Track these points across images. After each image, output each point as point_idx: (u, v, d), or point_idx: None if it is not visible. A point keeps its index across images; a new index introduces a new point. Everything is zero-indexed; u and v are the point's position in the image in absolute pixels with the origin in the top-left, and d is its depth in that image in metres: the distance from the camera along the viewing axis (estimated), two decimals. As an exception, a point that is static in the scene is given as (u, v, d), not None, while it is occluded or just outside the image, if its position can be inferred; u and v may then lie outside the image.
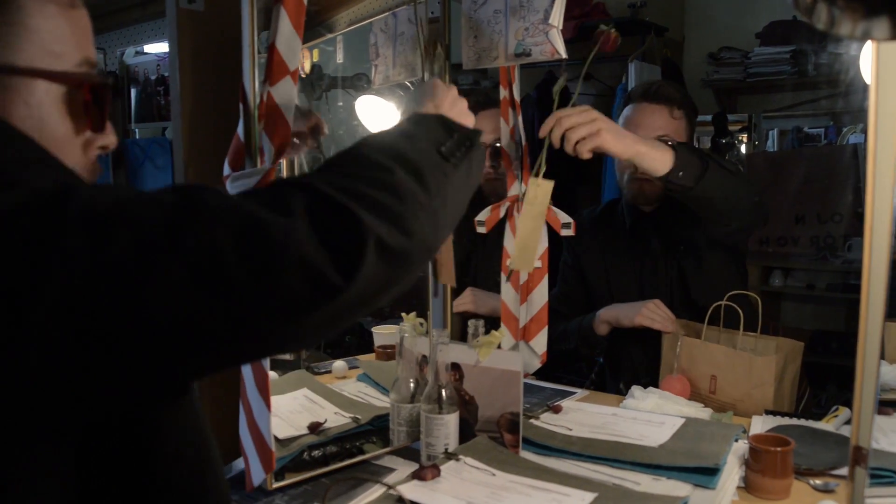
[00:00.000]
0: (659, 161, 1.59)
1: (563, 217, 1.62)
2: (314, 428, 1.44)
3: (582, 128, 1.54)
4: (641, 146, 1.58)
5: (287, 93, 1.14)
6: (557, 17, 1.28)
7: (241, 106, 1.16)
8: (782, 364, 1.65)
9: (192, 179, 1.26)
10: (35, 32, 0.73)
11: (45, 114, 0.74)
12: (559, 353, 2.01)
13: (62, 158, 0.74)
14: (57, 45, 0.74)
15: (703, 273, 1.90)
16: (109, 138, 0.81)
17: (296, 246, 0.61)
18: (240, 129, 1.16)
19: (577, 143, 1.54)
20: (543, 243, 1.64)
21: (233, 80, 1.19)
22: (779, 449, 1.24)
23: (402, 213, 0.71)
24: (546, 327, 1.68)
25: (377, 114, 2.00)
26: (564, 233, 1.63)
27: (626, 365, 2.03)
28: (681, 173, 1.59)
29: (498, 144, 2.14)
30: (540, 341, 1.68)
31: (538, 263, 1.65)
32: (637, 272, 1.99)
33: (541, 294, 1.66)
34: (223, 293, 0.59)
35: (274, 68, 1.13)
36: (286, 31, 1.14)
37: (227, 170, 1.16)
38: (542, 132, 1.55)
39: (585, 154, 1.54)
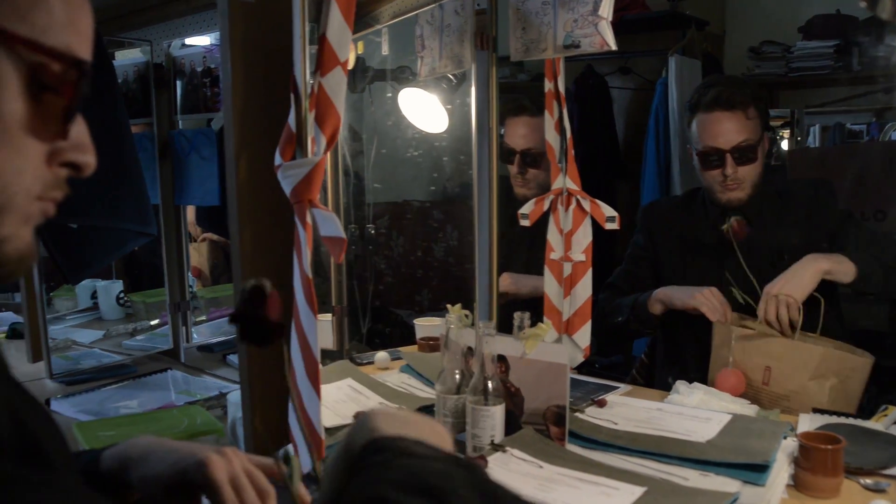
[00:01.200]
0: (846, 274, 1.76)
1: (608, 211, 1.61)
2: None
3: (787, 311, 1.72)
4: (825, 266, 1.76)
5: (338, 83, 1.15)
6: (607, 8, 1.27)
7: (291, 96, 1.17)
8: (850, 367, 1.62)
9: (243, 169, 1.27)
10: None
11: None
12: (609, 328, 2.03)
13: (10, 160, 0.57)
14: (34, 13, 0.57)
15: (794, 251, 1.90)
16: (86, 156, 0.62)
17: None
18: (291, 120, 1.17)
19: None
20: (588, 237, 1.63)
21: (283, 71, 1.20)
22: (829, 447, 1.22)
23: None
24: (589, 321, 1.68)
25: (419, 106, 2.01)
26: (609, 226, 1.62)
27: (676, 358, 2.02)
28: (864, 277, 1.76)
29: (527, 158, 2.16)
30: (583, 335, 1.67)
31: (582, 257, 1.64)
32: (717, 263, 1.98)
33: (584, 288, 1.66)
34: None
35: (325, 59, 1.14)
36: (337, 23, 1.14)
37: (278, 159, 1.17)
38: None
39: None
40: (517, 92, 2.48)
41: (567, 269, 1.66)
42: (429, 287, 2.60)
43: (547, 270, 1.68)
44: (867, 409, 2.08)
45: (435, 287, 2.66)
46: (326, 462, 0.72)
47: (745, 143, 1.90)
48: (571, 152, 1.63)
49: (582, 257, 1.64)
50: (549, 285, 1.68)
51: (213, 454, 0.90)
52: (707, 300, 1.82)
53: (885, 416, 1.55)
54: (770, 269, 1.92)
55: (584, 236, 1.63)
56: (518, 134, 2.20)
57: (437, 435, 0.73)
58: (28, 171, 0.58)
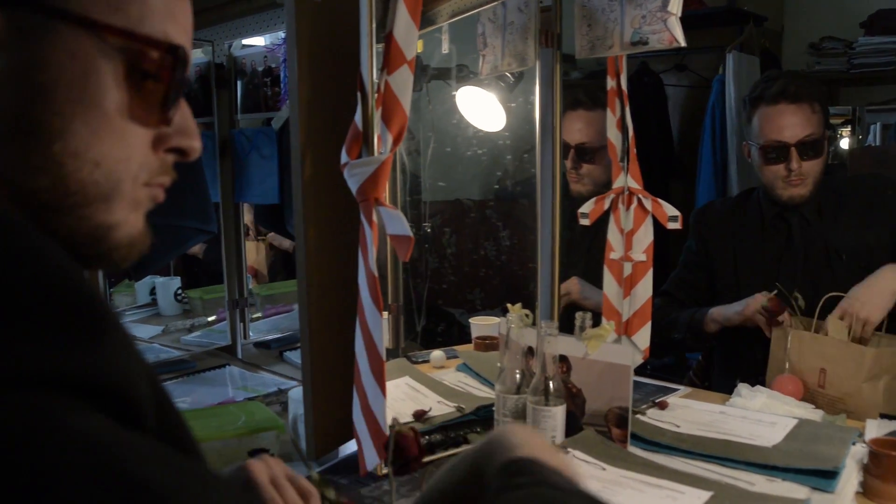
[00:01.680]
0: None
1: (671, 210, 1.59)
2: (419, 416, 1.45)
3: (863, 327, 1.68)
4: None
5: (404, 81, 1.16)
6: (677, 4, 1.25)
7: (358, 94, 1.18)
8: None
9: (308, 167, 1.28)
10: None
11: (94, 81, 0.56)
12: (666, 340, 2.01)
13: (114, 148, 0.58)
14: (128, 3, 0.57)
15: (854, 264, 1.86)
16: (191, 141, 0.64)
17: None
18: (357, 118, 1.17)
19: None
20: (649, 237, 1.61)
21: (349, 69, 1.20)
22: (902, 454, 1.19)
23: None
24: (649, 322, 1.65)
25: (477, 104, 2.01)
26: (671, 226, 1.60)
27: (734, 361, 1.98)
28: None
29: (580, 153, 2.15)
30: (643, 336, 1.65)
31: (643, 257, 1.62)
32: (774, 264, 1.95)
33: (644, 288, 1.64)
34: None
35: (392, 57, 1.15)
36: (403, 21, 1.15)
37: (344, 158, 1.18)
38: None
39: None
40: (571, 87, 2.46)
41: (627, 269, 1.64)
42: (482, 286, 2.59)
43: (606, 270, 1.66)
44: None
45: (489, 286, 2.65)
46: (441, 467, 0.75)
47: (811, 137, 1.85)
48: (633, 151, 1.62)
49: (643, 257, 1.62)
50: (609, 286, 1.66)
51: (254, 460, 0.98)
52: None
53: None
54: (828, 270, 1.87)
55: (645, 236, 1.61)
56: (573, 128, 2.18)
57: (566, 466, 0.73)
58: (134, 158, 0.59)
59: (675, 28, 1.25)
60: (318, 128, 1.28)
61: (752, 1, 3.69)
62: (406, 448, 1.11)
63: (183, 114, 0.63)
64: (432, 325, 2.39)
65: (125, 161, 0.59)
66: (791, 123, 1.85)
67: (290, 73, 1.27)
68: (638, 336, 1.66)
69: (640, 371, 1.96)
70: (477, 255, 2.58)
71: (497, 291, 2.54)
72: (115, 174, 0.58)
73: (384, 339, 1.85)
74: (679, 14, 1.26)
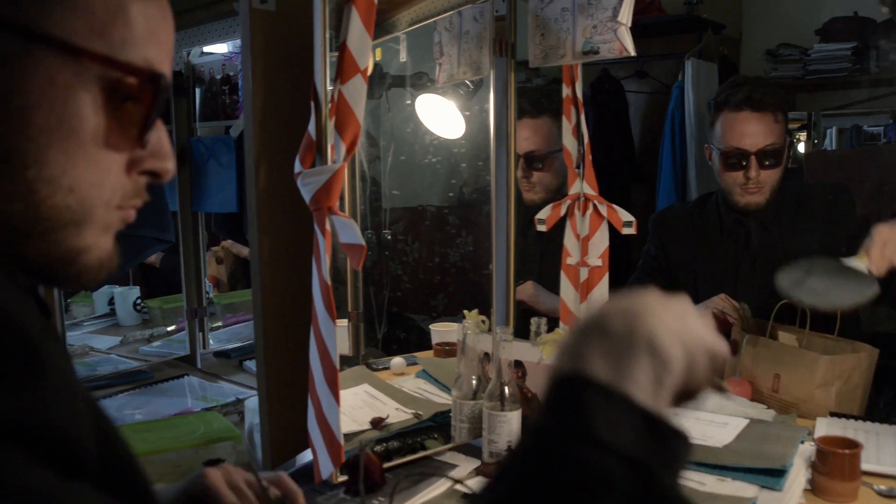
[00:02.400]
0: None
1: (625, 216, 1.61)
2: (377, 423, 1.45)
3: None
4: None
5: (358, 90, 1.16)
6: (627, 14, 1.28)
7: (311, 104, 1.18)
8: (850, 367, 1.62)
9: (262, 176, 1.28)
10: (82, 1, 0.56)
11: (72, 107, 0.55)
12: None
13: (88, 173, 0.57)
14: (111, 28, 0.57)
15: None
16: (165, 163, 0.63)
17: None
18: (311, 127, 1.18)
19: None
20: (604, 242, 1.63)
21: (303, 79, 1.21)
22: (846, 451, 1.22)
23: None
24: None
25: (437, 113, 2.02)
26: (626, 231, 1.62)
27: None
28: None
29: (529, 161, 2.15)
30: None
31: (599, 262, 1.64)
32: (732, 268, 1.98)
33: (601, 293, 1.66)
34: None
35: (345, 67, 1.16)
36: (357, 30, 1.16)
37: (297, 167, 1.18)
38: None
39: None
40: (528, 95, 2.47)
41: (583, 274, 1.66)
42: (444, 292, 2.60)
43: (563, 275, 1.68)
44: (884, 410, 2.07)
45: (450, 292, 2.67)
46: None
47: (772, 146, 1.88)
48: (589, 157, 1.64)
49: (599, 262, 1.64)
50: (566, 291, 1.68)
51: (212, 468, 1.00)
52: (720, 304, 1.82)
53: None
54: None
55: (600, 241, 1.63)
56: (520, 137, 2.17)
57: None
58: (107, 184, 0.59)
59: (624, 38, 1.28)
60: (272, 137, 1.29)
61: (710, 9, 3.75)
62: (370, 473, 1.14)
63: (159, 136, 0.63)
64: (395, 331, 2.40)
65: (99, 186, 0.59)
66: (753, 132, 1.88)
67: (244, 82, 1.27)
68: None
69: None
70: (439, 262, 2.59)
71: (459, 297, 2.55)
72: (88, 200, 0.58)
73: (342, 348, 1.87)
74: (629, 24, 1.28)
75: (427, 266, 2.60)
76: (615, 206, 1.62)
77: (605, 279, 1.66)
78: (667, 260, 2.10)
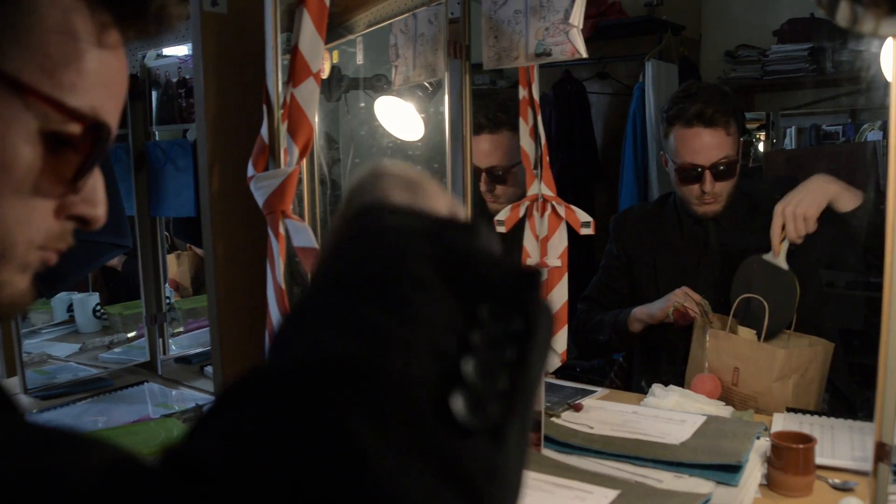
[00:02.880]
0: (851, 201, 1.74)
1: (583, 216, 1.62)
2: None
3: (795, 224, 1.75)
4: (835, 190, 1.76)
5: (310, 94, 1.16)
6: (578, 16, 1.28)
7: (264, 107, 1.18)
8: (806, 360, 1.64)
9: (215, 180, 1.27)
10: (37, 40, 0.55)
11: (9, 144, 0.54)
12: (591, 343, 2.05)
13: (15, 211, 0.56)
14: (63, 71, 0.56)
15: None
16: (96, 210, 0.60)
17: None
18: (263, 131, 1.17)
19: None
20: (563, 242, 1.64)
21: (256, 82, 1.20)
22: (800, 446, 1.24)
23: None
24: (566, 326, 1.68)
25: (396, 115, 2.02)
26: (584, 232, 1.63)
27: (652, 361, 2.04)
28: (860, 210, 1.73)
29: (492, 176, 2.16)
30: (560, 340, 1.68)
31: (558, 262, 1.65)
32: (692, 266, 2.00)
33: (560, 293, 1.67)
34: None
35: (297, 70, 1.15)
36: (309, 33, 1.15)
37: (251, 171, 1.17)
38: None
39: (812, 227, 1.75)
40: (488, 98, 2.47)
41: (543, 274, 1.67)
42: None
43: None
44: (848, 402, 2.10)
45: None
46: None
47: (725, 160, 1.91)
48: (546, 159, 1.65)
49: (558, 263, 1.65)
50: None
51: None
52: (682, 298, 1.84)
53: None
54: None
55: (559, 242, 1.64)
56: (481, 151, 2.17)
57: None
58: (33, 223, 0.57)
59: (576, 39, 1.29)
60: (225, 141, 1.28)
61: (670, 11, 3.80)
62: None
63: (94, 183, 0.61)
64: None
65: (24, 225, 0.57)
66: (706, 147, 1.90)
67: (196, 85, 1.26)
68: (555, 339, 1.69)
69: (568, 373, 2.00)
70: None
71: None
72: (10, 237, 0.56)
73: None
74: (580, 26, 1.29)
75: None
76: (573, 207, 1.63)
77: (565, 279, 1.67)
78: (628, 259, 2.13)
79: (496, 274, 0.43)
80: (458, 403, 0.38)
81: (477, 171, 2.20)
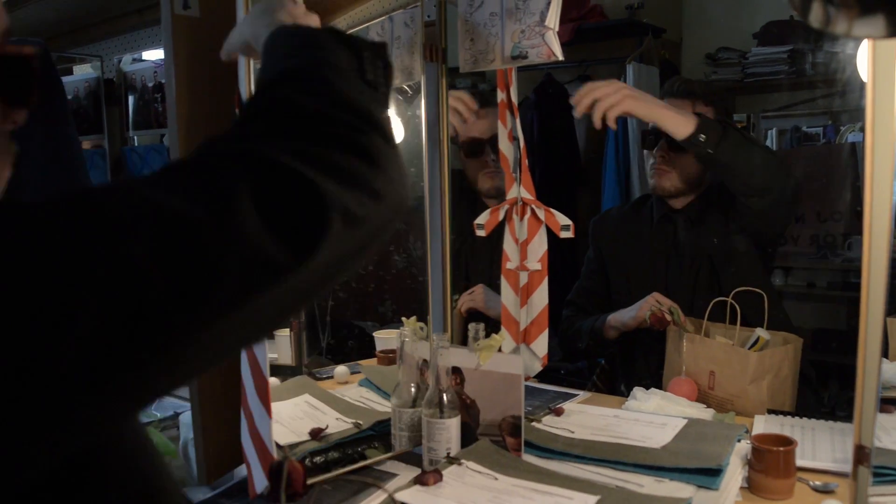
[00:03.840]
0: (682, 124, 1.71)
1: (563, 220, 1.62)
2: (315, 434, 1.43)
3: (609, 97, 1.66)
4: (664, 110, 1.72)
5: None
6: (554, 19, 1.28)
7: (236, 111, 1.16)
8: (779, 359, 1.65)
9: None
10: None
11: None
12: (574, 350, 2.05)
13: None
14: None
15: (733, 267, 1.92)
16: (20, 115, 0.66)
17: (237, 245, 0.53)
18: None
19: (605, 111, 1.67)
20: (543, 246, 1.64)
21: (229, 86, 1.19)
22: (781, 448, 1.23)
23: (366, 174, 0.61)
24: (546, 330, 1.68)
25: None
26: (563, 235, 1.63)
27: (632, 365, 2.03)
28: (702, 136, 1.70)
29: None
30: (540, 344, 1.67)
31: (538, 266, 1.64)
32: (662, 266, 2.00)
33: (541, 297, 1.66)
34: (149, 323, 0.50)
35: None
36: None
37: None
38: (575, 101, 1.70)
39: (612, 122, 1.68)
40: (481, 93, 2.46)
41: (523, 278, 1.66)
42: (392, 298, 2.59)
43: (504, 280, 1.68)
44: (829, 405, 2.11)
45: (398, 298, 2.65)
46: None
47: None
48: (525, 162, 1.64)
49: (538, 266, 1.65)
50: (506, 295, 1.68)
51: None
52: (654, 305, 1.84)
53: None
54: (710, 271, 1.94)
55: (539, 245, 1.64)
56: (486, 125, 2.17)
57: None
58: None
59: (552, 42, 1.28)
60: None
61: (651, 14, 3.80)
62: (292, 482, 1.12)
63: None
64: (342, 339, 2.37)
65: None
66: None
67: (167, 90, 1.25)
68: (536, 344, 1.68)
69: (553, 376, 2.00)
70: (386, 267, 2.58)
71: (407, 302, 2.54)
72: None
73: (281, 357, 1.84)
74: (556, 28, 1.28)
75: (373, 271, 2.58)
76: (553, 210, 1.63)
77: (545, 283, 1.66)
78: (603, 263, 2.13)
79: (366, 42, 0.75)
80: (366, 75, 0.71)
81: (479, 143, 2.17)
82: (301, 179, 0.57)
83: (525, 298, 1.67)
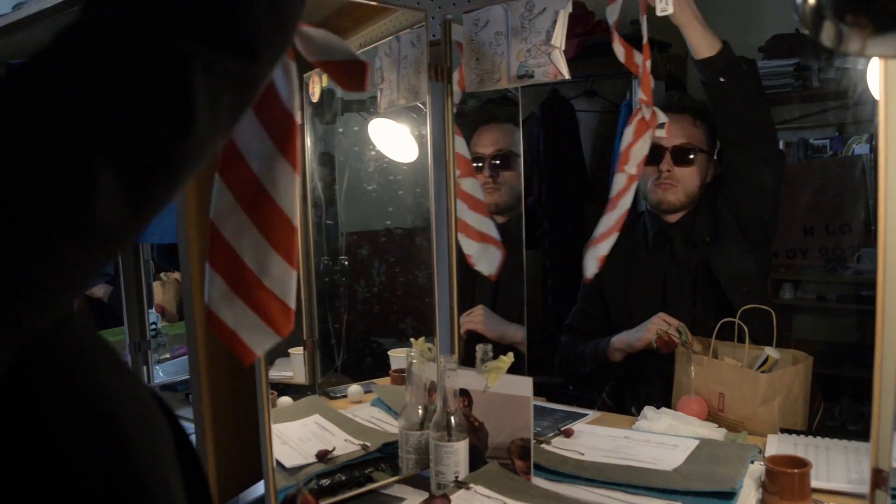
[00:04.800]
0: (707, 41, 1.75)
1: (661, 117, 1.68)
2: (322, 456, 1.42)
3: None
4: (696, 21, 1.73)
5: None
6: (560, 37, 1.27)
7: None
8: (789, 379, 1.62)
9: (192, 204, 1.25)
10: None
11: None
12: (576, 375, 2.03)
13: None
14: None
15: (729, 271, 1.91)
16: None
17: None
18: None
19: None
20: (644, 151, 1.69)
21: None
22: (796, 471, 1.21)
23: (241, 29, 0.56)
24: (616, 234, 1.69)
25: (389, 136, 2.00)
26: (658, 133, 1.70)
27: (641, 385, 2.01)
28: (721, 63, 1.73)
29: (497, 161, 2.16)
30: (604, 247, 1.69)
31: (634, 171, 1.72)
32: (659, 282, 1.98)
33: (624, 203, 1.71)
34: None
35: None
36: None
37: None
38: None
39: None
40: (485, 104, 2.47)
41: (620, 181, 1.69)
42: (413, 315, 2.57)
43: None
44: (839, 420, 2.08)
45: (420, 314, 2.63)
46: None
47: (688, 144, 1.93)
48: (647, 64, 1.71)
49: (633, 171, 1.69)
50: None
51: None
52: (660, 324, 1.82)
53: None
54: (709, 282, 1.92)
55: (641, 150, 1.68)
56: (488, 140, 2.17)
57: None
58: None
59: (558, 61, 1.27)
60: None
61: (656, 28, 3.77)
62: None
63: None
64: (359, 357, 2.35)
65: None
66: (671, 130, 1.90)
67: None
68: (601, 245, 1.68)
69: (563, 391, 1.97)
70: (407, 284, 2.56)
71: (428, 321, 2.52)
72: None
73: (295, 377, 1.82)
74: (562, 47, 1.28)
75: (397, 288, 2.56)
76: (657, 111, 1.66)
77: (633, 188, 1.69)
78: (600, 284, 2.10)
79: None
80: None
81: (481, 159, 2.18)
82: (164, 57, 0.52)
83: (616, 203, 1.66)
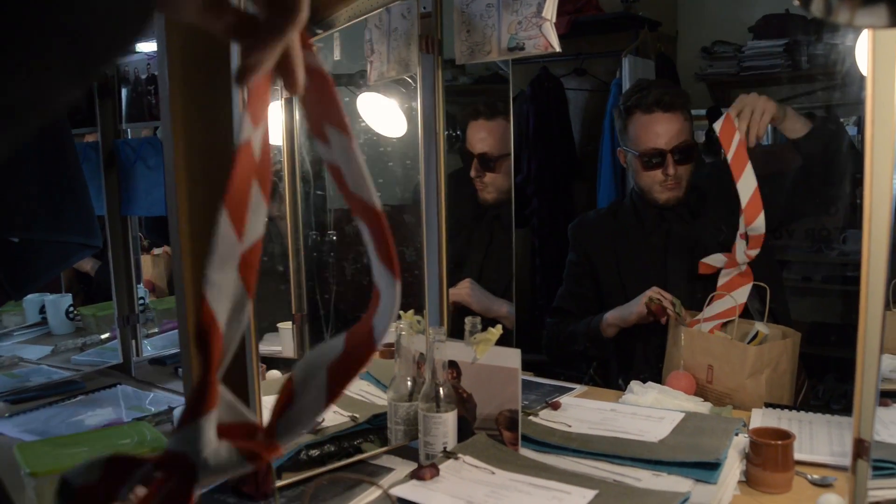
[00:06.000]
0: (801, 127, 1.84)
1: None
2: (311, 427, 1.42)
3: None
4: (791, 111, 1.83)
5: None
6: (551, 10, 1.27)
7: (232, 102, 1.15)
8: (777, 354, 1.64)
9: (182, 178, 1.25)
10: None
11: None
12: (567, 354, 2.05)
13: None
14: None
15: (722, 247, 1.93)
16: None
17: None
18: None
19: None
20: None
21: (222, 77, 1.18)
22: (779, 442, 1.23)
23: None
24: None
25: (378, 110, 1.99)
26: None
27: (630, 358, 2.03)
28: (815, 135, 1.83)
29: (489, 157, 2.18)
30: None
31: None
32: (658, 261, 2.01)
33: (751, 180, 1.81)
34: None
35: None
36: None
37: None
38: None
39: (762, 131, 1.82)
40: (472, 96, 2.48)
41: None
42: (406, 291, 2.57)
43: None
44: (823, 398, 2.11)
45: (411, 290, 2.64)
46: None
47: (685, 143, 1.96)
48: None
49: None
50: None
51: None
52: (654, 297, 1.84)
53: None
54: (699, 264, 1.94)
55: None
56: (476, 138, 2.21)
57: None
58: None
59: (549, 33, 1.27)
60: (191, 137, 1.25)
61: (647, 7, 3.79)
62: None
63: None
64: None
65: None
66: (666, 131, 1.94)
67: (160, 82, 1.23)
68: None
69: (550, 369, 1.99)
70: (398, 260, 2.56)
71: (419, 294, 2.53)
72: None
73: (284, 350, 1.83)
74: (553, 20, 1.27)
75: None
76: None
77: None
78: (590, 264, 2.13)
79: None
80: None
81: (470, 157, 2.22)
82: None
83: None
